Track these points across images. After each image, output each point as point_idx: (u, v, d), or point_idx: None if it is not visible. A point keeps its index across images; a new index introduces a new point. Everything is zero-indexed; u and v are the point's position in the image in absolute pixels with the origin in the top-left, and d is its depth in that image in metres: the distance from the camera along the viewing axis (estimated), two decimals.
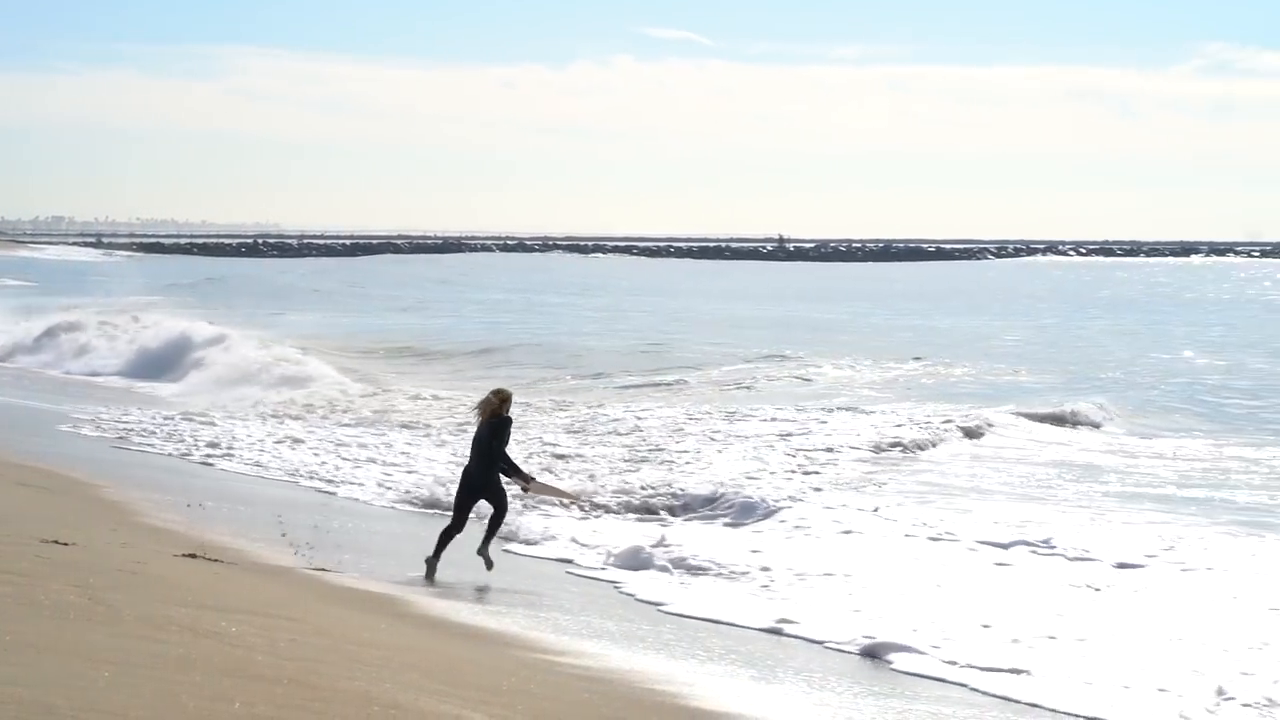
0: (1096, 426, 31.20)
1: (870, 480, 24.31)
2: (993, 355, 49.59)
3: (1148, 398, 37.10)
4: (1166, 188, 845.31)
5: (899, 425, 29.55)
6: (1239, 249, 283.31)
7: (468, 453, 16.35)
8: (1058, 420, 31.35)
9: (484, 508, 16.19)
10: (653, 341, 53.72)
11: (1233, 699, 12.21)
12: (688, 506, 21.31)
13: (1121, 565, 17.34)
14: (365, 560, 16.72)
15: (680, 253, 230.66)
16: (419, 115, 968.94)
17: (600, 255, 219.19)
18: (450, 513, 16.46)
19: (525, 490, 16.48)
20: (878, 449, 27.21)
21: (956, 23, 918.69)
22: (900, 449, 27.37)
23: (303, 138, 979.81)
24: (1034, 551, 18.18)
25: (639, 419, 31.14)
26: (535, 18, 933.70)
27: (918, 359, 45.99)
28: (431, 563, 15.66)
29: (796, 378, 41.32)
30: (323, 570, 15.54)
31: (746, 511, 20.68)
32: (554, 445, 27.33)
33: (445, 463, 24.87)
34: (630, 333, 59.51)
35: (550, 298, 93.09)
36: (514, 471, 15.75)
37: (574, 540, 18.83)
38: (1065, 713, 11.98)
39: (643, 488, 22.41)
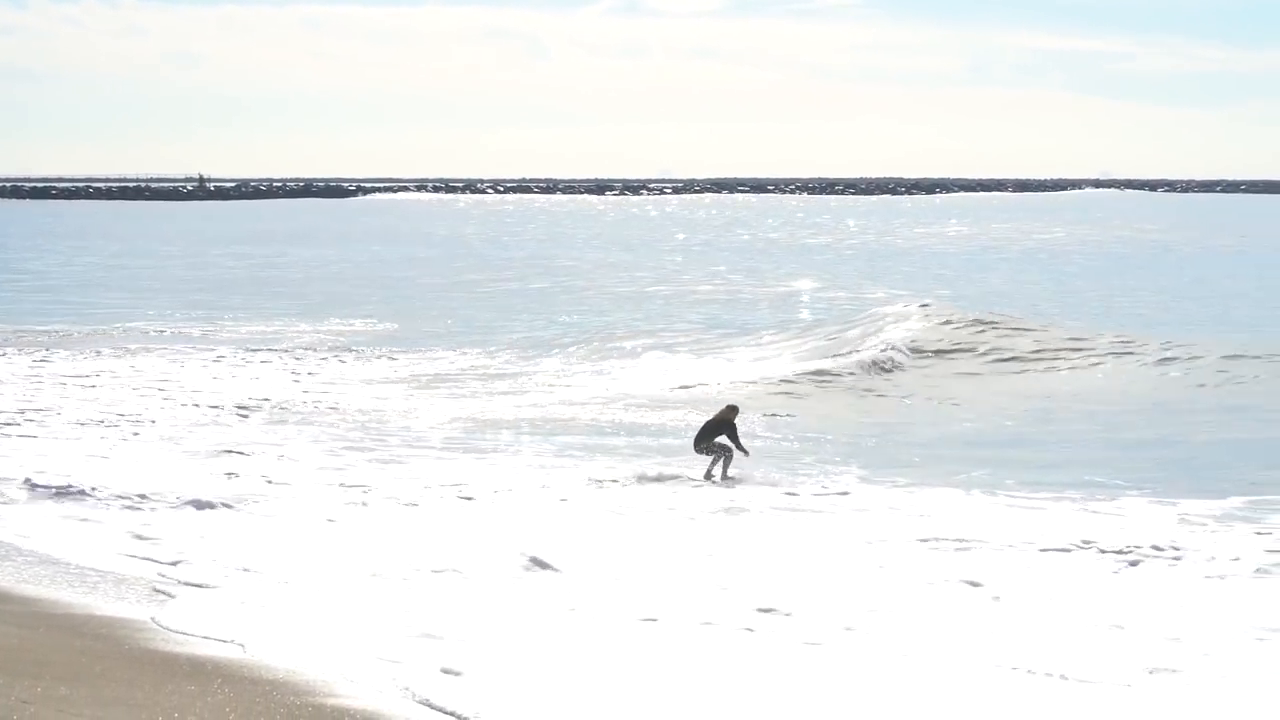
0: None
1: None
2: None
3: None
4: (579, 127, 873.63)
5: None
6: (652, 185, 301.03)
7: None
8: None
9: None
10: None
11: None
12: None
13: None
14: None
15: (100, 194, 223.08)
16: None
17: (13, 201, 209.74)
18: None
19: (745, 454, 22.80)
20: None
21: None
22: None
23: None
24: None
25: None
26: None
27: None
28: (709, 475, 22.26)
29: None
30: None
31: None
32: None
33: None
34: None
35: None
36: (738, 443, 22.68)
37: None
38: None
39: None
